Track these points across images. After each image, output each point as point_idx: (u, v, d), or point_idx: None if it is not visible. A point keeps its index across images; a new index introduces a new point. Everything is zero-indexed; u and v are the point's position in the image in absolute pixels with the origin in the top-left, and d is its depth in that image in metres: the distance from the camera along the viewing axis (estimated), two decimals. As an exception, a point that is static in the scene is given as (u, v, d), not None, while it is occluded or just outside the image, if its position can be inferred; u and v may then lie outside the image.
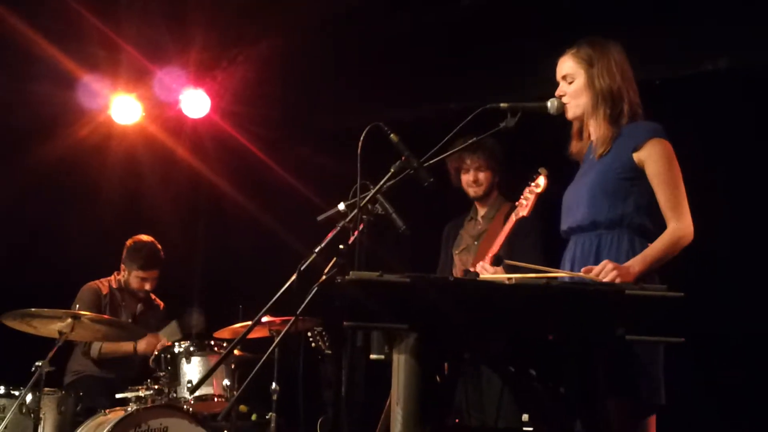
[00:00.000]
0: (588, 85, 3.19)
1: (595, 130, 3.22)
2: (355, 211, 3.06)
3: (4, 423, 4.41)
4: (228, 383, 4.94)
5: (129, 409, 4.63)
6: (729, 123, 4.91)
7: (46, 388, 4.53)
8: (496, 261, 3.38)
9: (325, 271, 2.98)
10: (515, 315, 2.49)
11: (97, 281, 5.64)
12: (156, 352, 5.01)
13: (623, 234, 3.08)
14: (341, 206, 3.23)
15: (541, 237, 4.30)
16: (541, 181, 3.47)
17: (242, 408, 5.22)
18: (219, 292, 6.61)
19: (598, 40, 3.24)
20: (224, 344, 5.03)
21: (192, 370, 4.89)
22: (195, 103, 6.48)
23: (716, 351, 4.70)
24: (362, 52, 5.89)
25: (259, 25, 5.89)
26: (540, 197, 3.48)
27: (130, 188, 6.76)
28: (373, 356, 2.76)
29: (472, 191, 4.65)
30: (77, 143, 6.50)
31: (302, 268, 3.00)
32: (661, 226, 3.04)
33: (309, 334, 5.25)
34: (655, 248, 3.00)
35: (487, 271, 3.43)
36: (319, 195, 5.51)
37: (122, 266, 5.65)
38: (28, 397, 4.47)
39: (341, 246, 3.00)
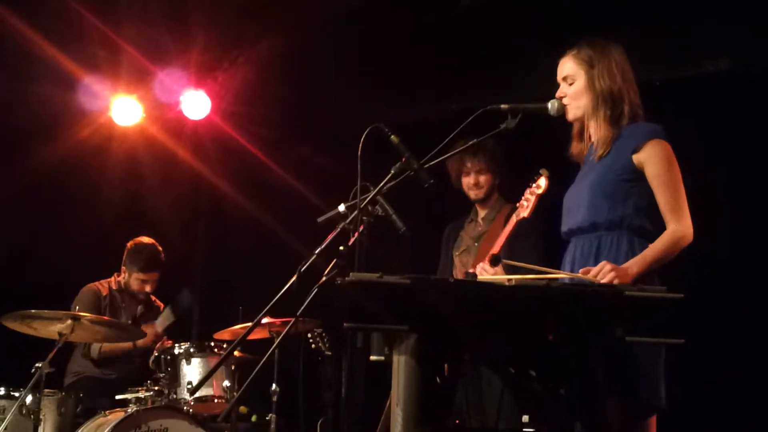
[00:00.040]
0: (588, 86, 3.19)
1: (596, 131, 3.22)
2: (356, 212, 3.06)
3: (4, 424, 4.41)
4: (228, 384, 4.94)
5: (129, 410, 4.63)
6: (729, 123, 4.91)
7: (46, 390, 4.53)
8: (494, 261, 3.38)
9: (326, 272, 2.98)
10: (515, 316, 2.49)
11: (96, 283, 5.64)
12: (156, 353, 5.01)
13: (623, 235, 3.07)
14: (341, 207, 3.23)
15: (542, 238, 4.30)
16: (542, 182, 3.47)
17: (242, 409, 5.21)
18: (219, 293, 6.61)
19: (598, 41, 3.24)
20: (224, 345, 5.03)
21: (192, 371, 4.89)
22: (195, 104, 6.48)
23: (716, 351, 4.70)
24: (362, 52, 5.89)
25: (259, 26, 5.89)
26: (541, 198, 3.48)
27: (131, 189, 6.76)
28: (373, 357, 2.77)
29: (472, 194, 4.64)
30: (78, 144, 6.50)
31: (302, 270, 3.01)
32: (661, 228, 3.04)
33: (309, 335, 5.25)
34: (653, 249, 3.00)
35: (487, 272, 3.43)
36: (319, 195, 5.51)
37: (123, 268, 5.65)
38: (28, 399, 4.47)
39: (341, 247, 3.00)
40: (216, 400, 4.94)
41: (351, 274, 2.53)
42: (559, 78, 3.28)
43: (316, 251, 3.05)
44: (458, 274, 4.56)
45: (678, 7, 4.98)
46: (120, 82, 6.37)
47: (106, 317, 5.19)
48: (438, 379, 2.56)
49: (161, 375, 4.91)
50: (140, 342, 5.33)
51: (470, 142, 3.41)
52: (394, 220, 3.14)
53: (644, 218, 3.08)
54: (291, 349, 4.57)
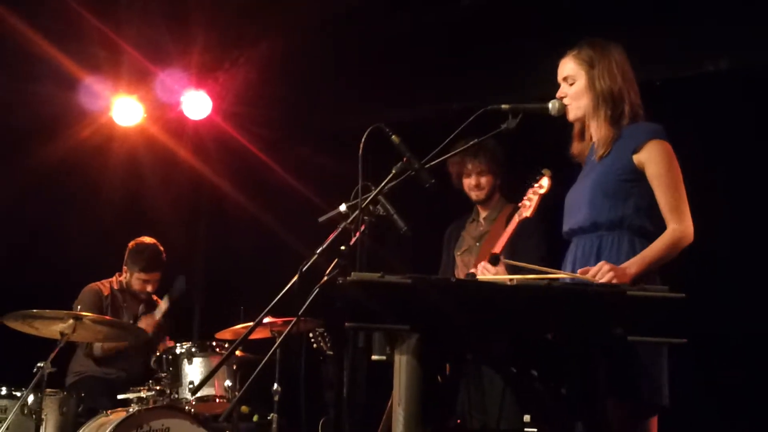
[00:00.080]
0: (589, 86, 3.20)
1: (596, 131, 3.23)
2: (357, 212, 3.06)
3: (5, 424, 4.41)
4: (230, 384, 4.94)
5: (131, 410, 4.63)
6: (729, 123, 4.91)
7: (48, 389, 4.54)
8: (493, 260, 3.39)
9: (327, 272, 2.99)
10: (517, 316, 2.49)
11: (98, 282, 5.64)
12: (158, 353, 5.02)
13: (624, 235, 3.07)
14: (343, 207, 3.23)
15: (544, 238, 4.30)
16: (545, 182, 3.47)
17: (244, 409, 5.21)
18: (220, 293, 6.62)
19: (599, 42, 3.25)
20: (226, 345, 5.04)
21: (194, 371, 4.89)
22: (196, 104, 6.48)
23: (716, 351, 4.69)
24: (362, 52, 5.89)
25: (259, 26, 5.90)
26: (543, 198, 3.48)
27: (132, 189, 6.77)
28: (374, 357, 2.78)
29: (474, 195, 4.64)
30: (78, 144, 6.50)
31: (304, 269, 3.01)
32: (662, 228, 3.04)
33: (311, 335, 5.25)
34: (652, 250, 2.99)
35: (489, 272, 3.44)
36: (320, 195, 5.52)
37: (124, 268, 5.65)
38: (30, 398, 4.47)
39: (343, 247, 3.00)
40: (218, 400, 4.94)
41: (352, 273, 2.54)
42: (559, 78, 3.29)
43: (318, 251, 3.06)
44: (460, 274, 4.56)
45: (678, 7, 4.98)
46: (121, 83, 6.37)
47: (107, 317, 5.20)
48: (439, 379, 2.57)
49: (163, 375, 4.91)
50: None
51: (471, 143, 3.41)
52: (396, 219, 3.14)
53: (645, 218, 3.08)
54: (293, 349, 4.57)
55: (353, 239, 3.03)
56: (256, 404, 5.24)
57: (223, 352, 4.97)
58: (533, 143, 4.21)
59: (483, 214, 4.68)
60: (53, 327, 4.58)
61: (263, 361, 3.00)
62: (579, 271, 2.95)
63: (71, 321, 4.54)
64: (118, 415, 4.60)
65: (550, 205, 3.49)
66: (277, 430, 4.85)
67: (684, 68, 5.25)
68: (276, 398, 4.85)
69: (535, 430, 2.95)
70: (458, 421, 3.30)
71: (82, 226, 6.54)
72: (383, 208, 3.13)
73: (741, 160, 4.92)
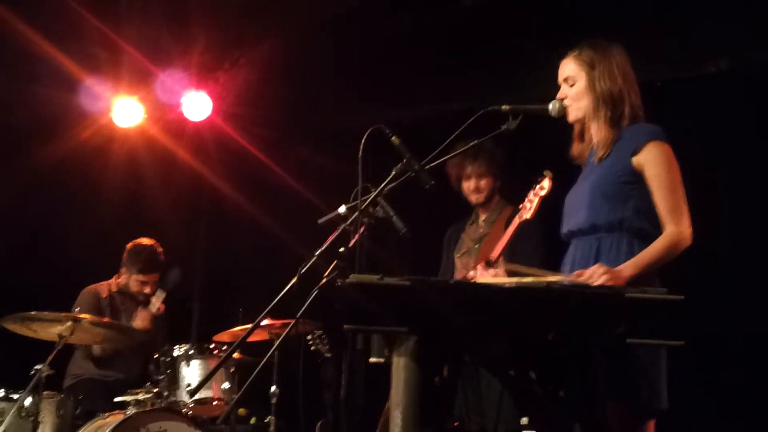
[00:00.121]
0: (589, 87, 3.18)
1: (596, 133, 3.21)
2: (356, 213, 3.05)
3: (3, 426, 4.41)
4: (227, 386, 4.93)
5: (128, 412, 4.63)
6: (729, 123, 4.91)
7: (46, 392, 4.54)
8: (488, 265, 3.39)
9: (326, 273, 2.98)
10: (516, 318, 2.49)
11: (96, 285, 5.63)
12: (157, 355, 5.01)
13: (623, 237, 3.06)
14: (342, 209, 3.22)
15: (543, 240, 4.28)
16: (546, 183, 3.46)
17: (241, 411, 5.21)
18: (219, 294, 6.61)
19: (600, 43, 3.23)
20: (224, 347, 5.03)
21: (191, 373, 4.88)
22: (197, 105, 6.48)
23: (716, 352, 4.69)
24: (362, 52, 5.89)
25: (259, 26, 5.90)
26: (543, 200, 3.47)
27: (132, 190, 6.77)
28: (373, 359, 2.76)
29: (473, 198, 4.62)
30: (79, 145, 6.51)
31: (303, 271, 3.01)
32: (662, 230, 3.03)
33: (309, 337, 5.24)
34: (649, 252, 2.97)
35: (487, 274, 3.43)
36: (320, 196, 5.51)
37: (122, 269, 5.65)
38: (27, 401, 4.47)
39: (342, 249, 3.00)
40: (215, 402, 4.93)
41: (351, 275, 2.53)
42: (560, 79, 3.28)
43: (317, 253, 3.05)
44: (459, 276, 4.55)
45: (678, 7, 4.97)
46: (121, 83, 6.38)
47: (106, 319, 5.19)
48: (437, 381, 2.56)
49: (160, 377, 4.90)
50: (138, 326, 5.33)
51: (471, 144, 3.40)
52: (395, 221, 3.14)
53: (644, 220, 3.07)
54: (291, 351, 4.56)
55: (352, 241, 3.03)
56: (254, 407, 5.24)
57: (220, 354, 4.96)
58: (533, 144, 4.20)
59: (482, 216, 4.66)
60: (51, 329, 4.58)
61: (261, 364, 3.00)
62: (574, 273, 2.93)
63: (69, 323, 4.54)
64: (115, 418, 4.59)
65: (550, 206, 3.48)
66: (275, 432, 4.85)
67: (684, 69, 5.25)
68: (274, 401, 4.85)
69: (533, 432, 2.94)
70: (456, 423, 3.29)
71: (82, 226, 6.54)
72: (383, 210, 3.13)
73: (741, 161, 4.91)
